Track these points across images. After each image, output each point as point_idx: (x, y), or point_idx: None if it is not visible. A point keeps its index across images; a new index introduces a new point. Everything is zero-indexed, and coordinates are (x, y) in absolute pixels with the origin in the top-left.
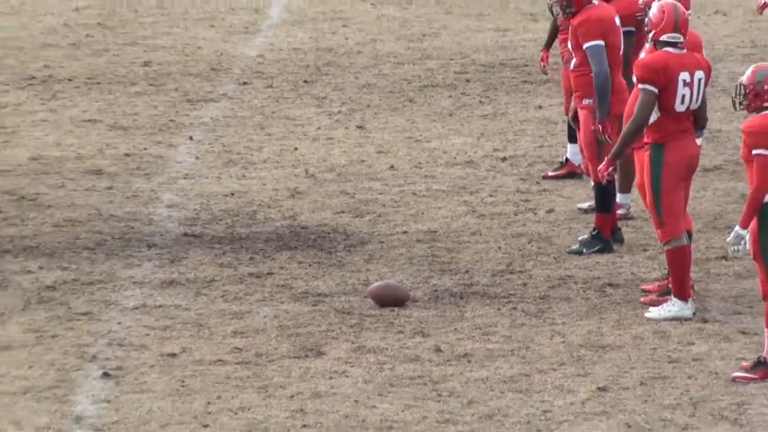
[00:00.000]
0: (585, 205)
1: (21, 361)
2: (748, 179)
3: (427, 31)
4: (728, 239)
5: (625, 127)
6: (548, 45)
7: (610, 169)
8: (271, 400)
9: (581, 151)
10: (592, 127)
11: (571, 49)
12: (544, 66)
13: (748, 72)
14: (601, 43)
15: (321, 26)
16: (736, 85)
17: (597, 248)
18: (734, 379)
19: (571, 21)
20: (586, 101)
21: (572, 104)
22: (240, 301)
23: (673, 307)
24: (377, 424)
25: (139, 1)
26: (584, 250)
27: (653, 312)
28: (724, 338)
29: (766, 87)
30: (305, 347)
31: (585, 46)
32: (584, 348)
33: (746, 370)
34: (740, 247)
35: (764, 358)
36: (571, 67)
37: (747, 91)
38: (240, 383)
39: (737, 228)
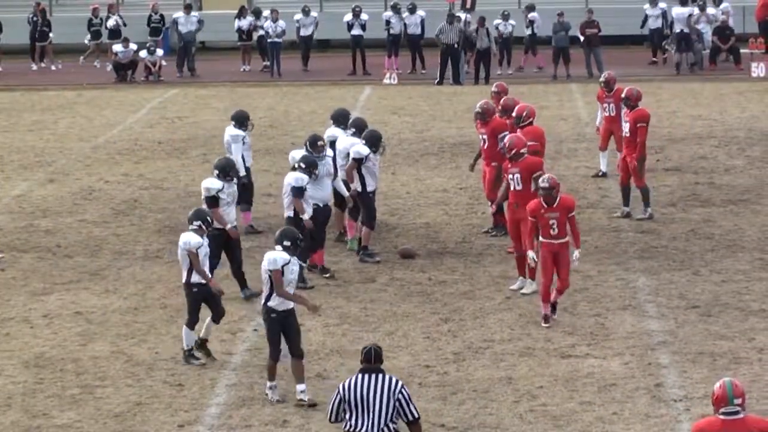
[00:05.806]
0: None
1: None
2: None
3: (423, 128)
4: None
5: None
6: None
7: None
8: (351, 300)
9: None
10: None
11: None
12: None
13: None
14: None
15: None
16: None
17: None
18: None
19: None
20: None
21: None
22: (336, 252)
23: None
24: (401, 314)
25: None
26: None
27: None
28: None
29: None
30: (367, 278)
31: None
32: (500, 278)
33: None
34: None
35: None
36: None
37: None
38: (332, 295)
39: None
